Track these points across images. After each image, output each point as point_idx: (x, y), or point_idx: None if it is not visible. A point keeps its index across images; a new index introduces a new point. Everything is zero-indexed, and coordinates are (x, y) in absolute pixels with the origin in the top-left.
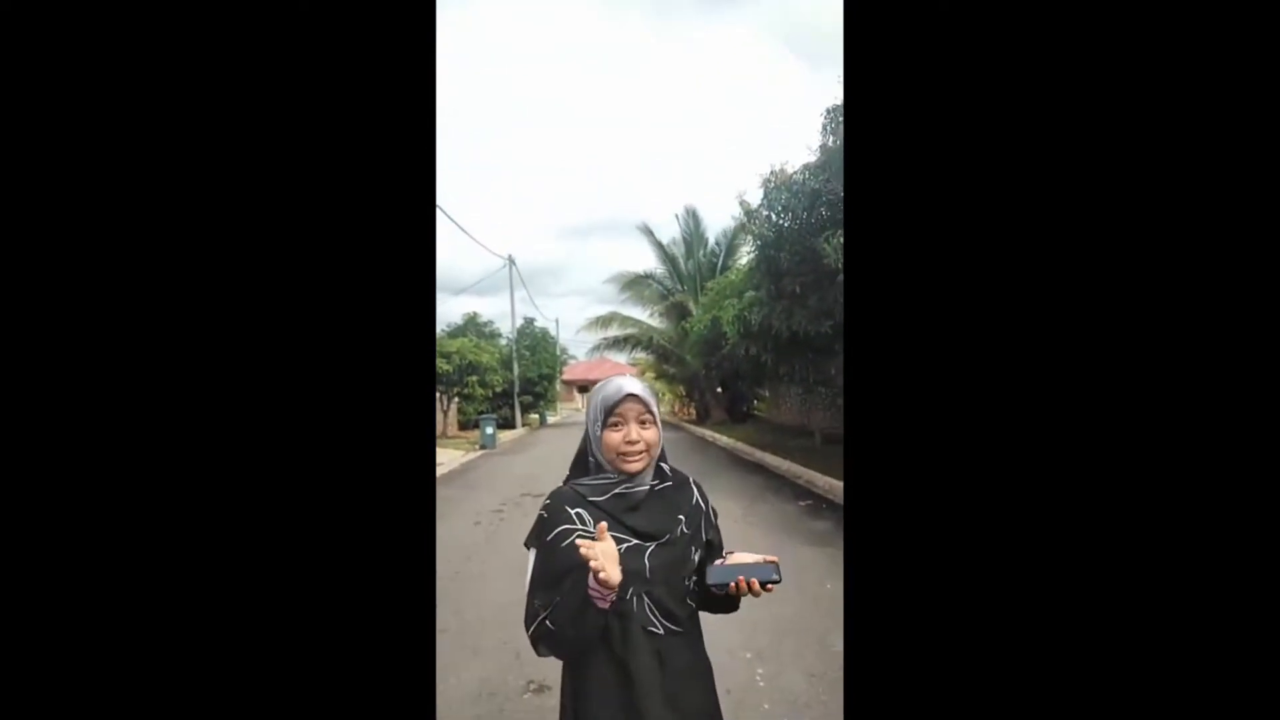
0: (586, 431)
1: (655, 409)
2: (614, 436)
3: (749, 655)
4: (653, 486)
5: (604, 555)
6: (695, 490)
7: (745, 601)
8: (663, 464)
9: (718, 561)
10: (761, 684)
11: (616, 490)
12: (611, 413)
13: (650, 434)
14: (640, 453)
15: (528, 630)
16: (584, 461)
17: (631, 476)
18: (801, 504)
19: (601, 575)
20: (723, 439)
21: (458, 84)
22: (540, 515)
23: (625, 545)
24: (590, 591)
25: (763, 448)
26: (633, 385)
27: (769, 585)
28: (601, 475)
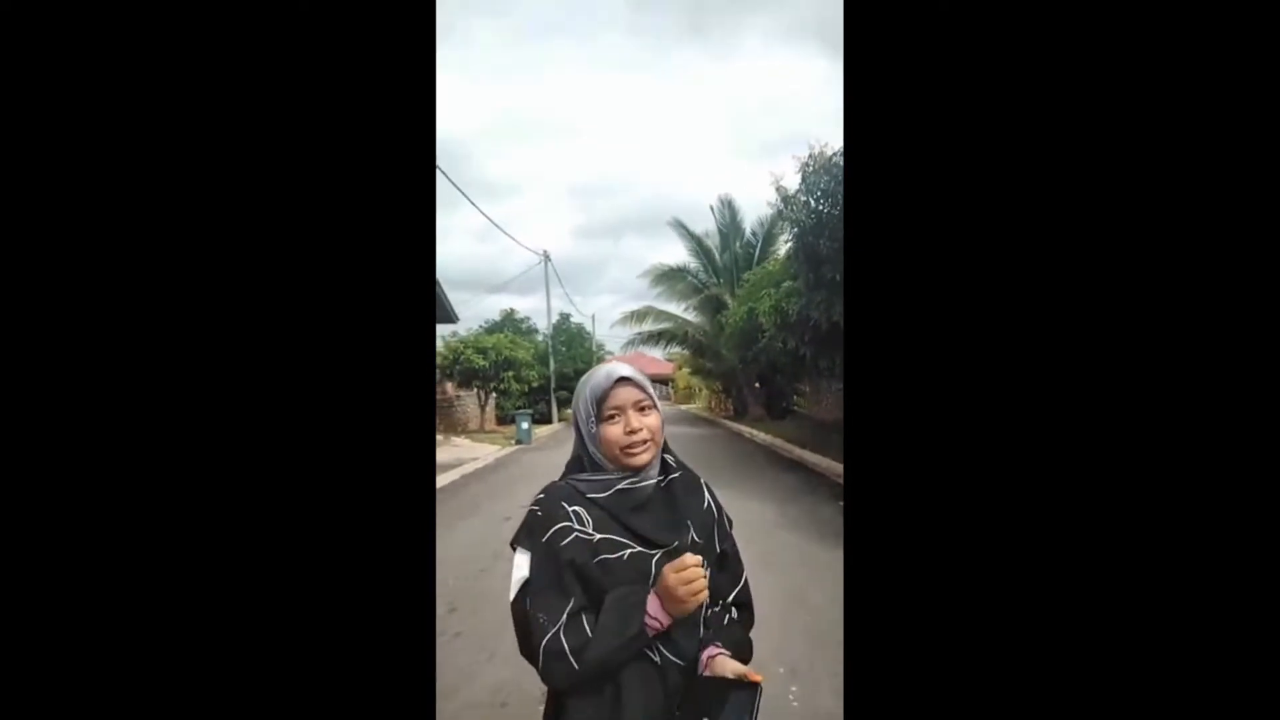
0: (578, 432)
1: (651, 391)
2: (613, 430)
3: (781, 670)
4: (659, 482)
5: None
6: (707, 493)
7: (777, 612)
8: (667, 455)
9: (704, 656)
10: (795, 704)
11: (620, 486)
12: (604, 403)
13: (652, 420)
14: (645, 442)
15: (536, 647)
16: (579, 464)
17: (638, 471)
18: (841, 504)
19: (687, 604)
20: (760, 435)
21: (497, 84)
22: (532, 512)
23: (627, 552)
24: (649, 622)
25: (802, 445)
26: (623, 369)
27: None
28: (600, 471)
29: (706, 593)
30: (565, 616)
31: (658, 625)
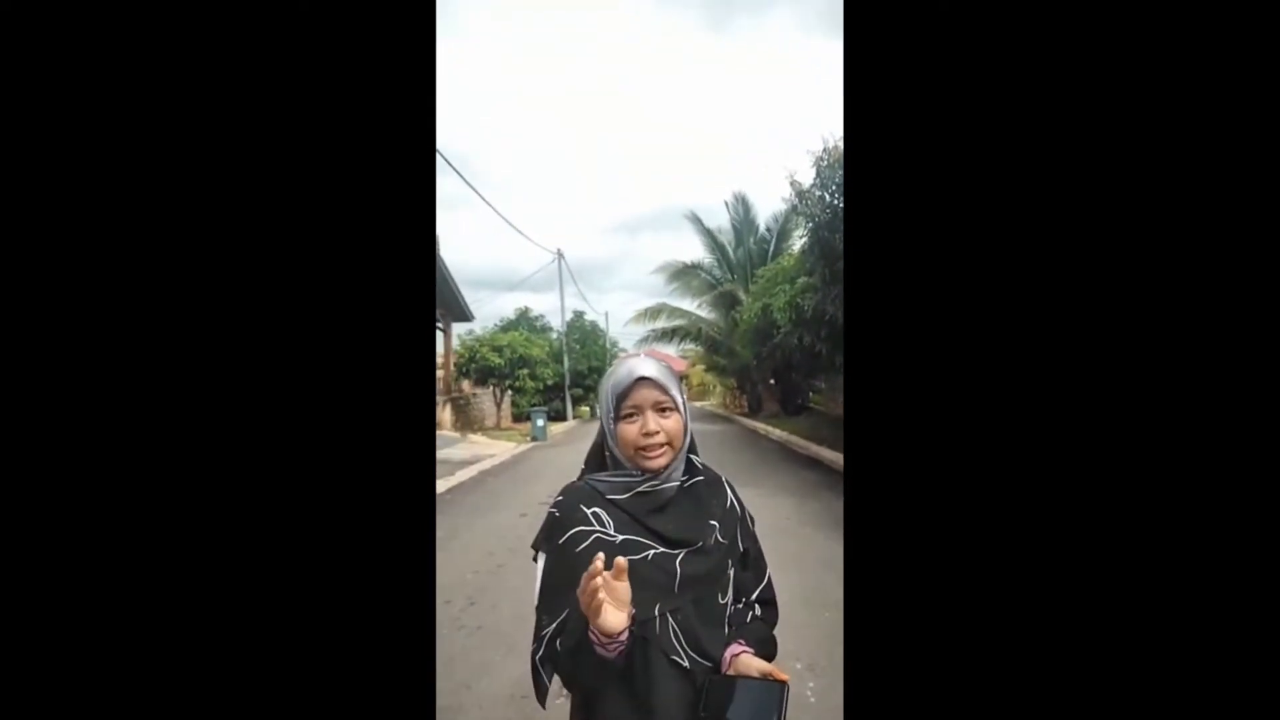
0: (601, 424)
1: (677, 392)
2: (629, 429)
3: (799, 666)
4: (682, 483)
5: (611, 595)
6: (729, 491)
7: (795, 607)
8: (692, 456)
9: (727, 654)
10: (813, 699)
11: (640, 488)
12: (624, 401)
13: (672, 423)
14: (661, 445)
15: (532, 656)
16: (600, 455)
17: (656, 473)
18: None
19: (600, 619)
20: (776, 432)
21: (510, 81)
22: (550, 514)
23: (651, 553)
24: (591, 638)
25: (818, 441)
26: (645, 367)
27: None
28: (621, 471)
29: (600, 595)
30: (559, 621)
31: (598, 640)
